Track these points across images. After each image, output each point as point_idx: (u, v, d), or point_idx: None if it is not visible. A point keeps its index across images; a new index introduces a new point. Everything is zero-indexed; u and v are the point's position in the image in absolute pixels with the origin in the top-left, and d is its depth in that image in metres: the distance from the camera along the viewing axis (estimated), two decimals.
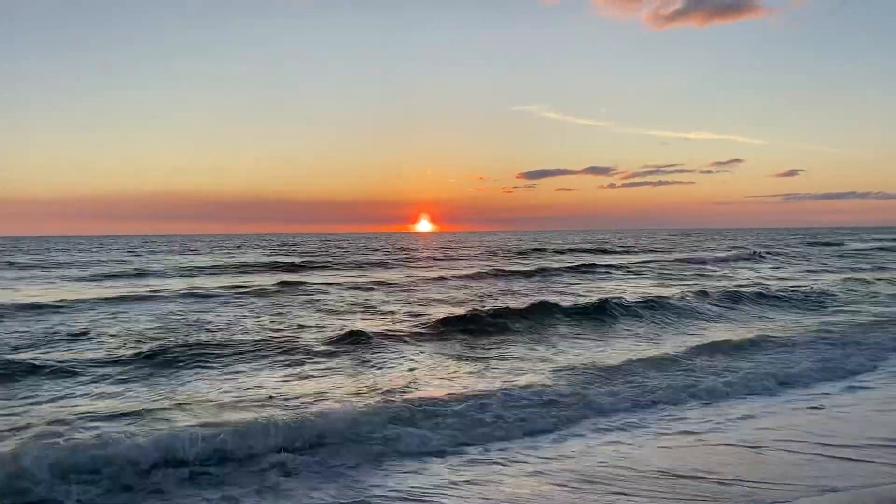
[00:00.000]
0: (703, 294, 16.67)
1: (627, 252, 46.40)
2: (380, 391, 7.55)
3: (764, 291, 17.73)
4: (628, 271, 27.69)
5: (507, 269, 28.73)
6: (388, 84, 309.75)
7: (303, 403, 7.00)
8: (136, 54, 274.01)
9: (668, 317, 13.91)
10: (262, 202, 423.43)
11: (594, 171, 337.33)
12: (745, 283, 21.56)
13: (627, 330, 12.59)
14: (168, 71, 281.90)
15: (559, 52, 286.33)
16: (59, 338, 11.12)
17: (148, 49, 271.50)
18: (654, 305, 14.66)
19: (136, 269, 29.41)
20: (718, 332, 12.10)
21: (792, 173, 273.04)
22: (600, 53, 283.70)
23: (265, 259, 38.62)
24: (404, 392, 7.51)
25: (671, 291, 17.82)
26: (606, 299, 14.64)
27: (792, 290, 18.17)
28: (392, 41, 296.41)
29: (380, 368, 9.06)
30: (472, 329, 12.08)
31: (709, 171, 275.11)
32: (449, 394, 7.28)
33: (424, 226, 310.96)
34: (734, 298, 16.41)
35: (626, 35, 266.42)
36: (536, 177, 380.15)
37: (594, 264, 30.36)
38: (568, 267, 28.96)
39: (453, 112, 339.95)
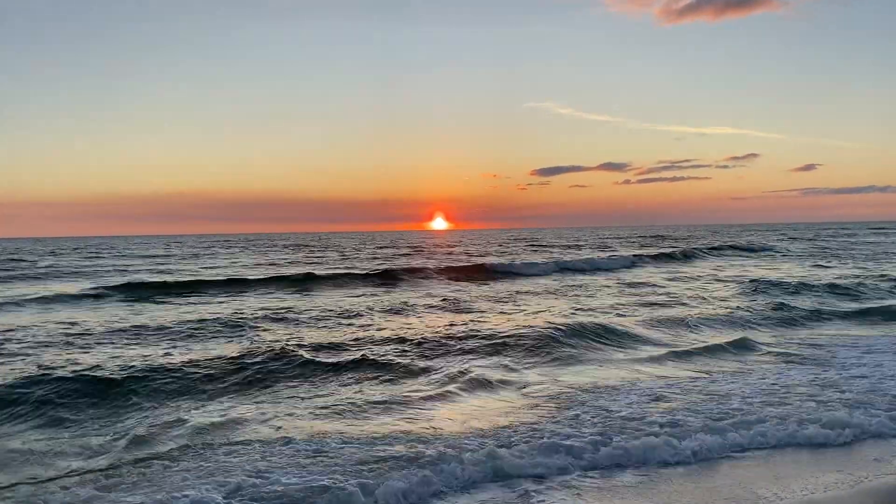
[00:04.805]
0: None
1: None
2: None
3: None
4: None
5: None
6: (398, 83, 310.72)
7: None
8: (137, 55, 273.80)
9: None
10: (271, 202, 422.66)
11: (609, 167, 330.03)
12: None
13: None
14: (173, 71, 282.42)
15: (571, 47, 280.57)
16: None
17: (151, 50, 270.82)
18: None
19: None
20: None
21: (810, 167, 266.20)
22: (612, 49, 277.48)
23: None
24: None
25: None
26: None
27: None
28: (402, 40, 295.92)
29: None
30: None
31: (725, 166, 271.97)
32: None
33: (439, 224, 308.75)
34: None
35: (638, 30, 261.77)
36: (550, 174, 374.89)
37: None
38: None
39: (465, 110, 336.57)
